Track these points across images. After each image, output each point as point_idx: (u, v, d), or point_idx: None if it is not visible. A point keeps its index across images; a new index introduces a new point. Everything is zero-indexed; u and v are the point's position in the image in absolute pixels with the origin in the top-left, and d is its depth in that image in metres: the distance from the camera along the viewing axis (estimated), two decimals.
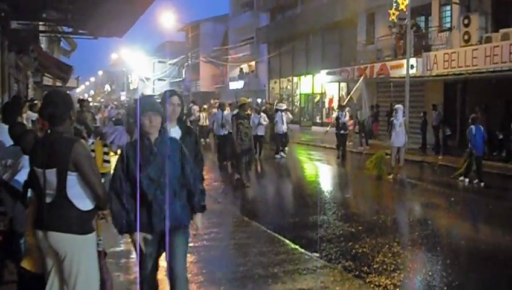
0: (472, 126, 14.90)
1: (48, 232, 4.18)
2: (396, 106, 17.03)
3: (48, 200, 4.20)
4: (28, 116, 13.21)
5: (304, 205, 12.71)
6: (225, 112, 20.23)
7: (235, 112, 16.31)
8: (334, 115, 22.61)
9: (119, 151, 11.41)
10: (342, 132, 21.25)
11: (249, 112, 17.55)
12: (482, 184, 14.67)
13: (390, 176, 16.00)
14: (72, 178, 4.16)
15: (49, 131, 4.35)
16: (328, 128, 26.35)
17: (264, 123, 20.88)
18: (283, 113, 22.48)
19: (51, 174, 4.15)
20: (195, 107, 30.47)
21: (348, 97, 22.75)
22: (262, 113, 21.57)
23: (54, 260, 4.29)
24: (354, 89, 22.44)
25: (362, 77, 22.87)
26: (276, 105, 26.57)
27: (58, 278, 4.33)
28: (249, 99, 31.61)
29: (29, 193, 4.74)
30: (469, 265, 8.31)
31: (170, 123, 5.22)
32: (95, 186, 4.23)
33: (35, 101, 16.52)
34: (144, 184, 4.47)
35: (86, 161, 4.20)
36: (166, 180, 4.51)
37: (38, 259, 4.46)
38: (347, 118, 21.81)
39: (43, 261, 4.38)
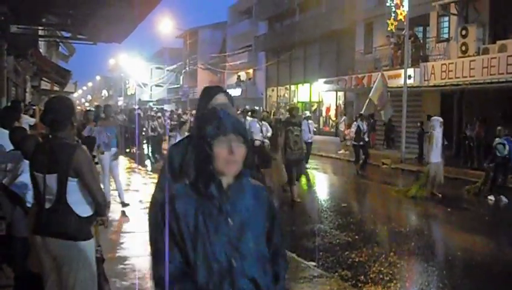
0: (500, 139, 14.26)
1: (47, 238, 4.18)
2: (434, 117, 16.13)
3: (47, 205, 4.20)
4: (25, 121, 13.07)
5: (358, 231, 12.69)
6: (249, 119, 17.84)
7: (280, 116, 15.54)
8: (353, 127, 20.64)
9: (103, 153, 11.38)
10: (361, 143, 19.67)
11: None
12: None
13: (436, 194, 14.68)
14: (72, 184, 4.17)
15: (50, 136, 4.35)
16: (346, 142, 25.69)
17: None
18: (309, 122, 19.63)
19: (51, 180, 4.15)
20: None
21: (367, 101, 21.82)
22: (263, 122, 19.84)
23: (52, 265, 4.28)
24: (373, 89, 21.37)
25: (380, 74, 22.17)
26: (288, 112, 25.22)
27: (56, 283, 4.31)
28: (247, 107, 31.70)
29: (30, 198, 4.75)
30: (466, 275, 8.32)
31: None
32: (95, 192, 4.25)
33: (34, 107, 16.49)
34: (201, 271, 2.44)
35: (87, 168, 4.22)
36: (244, 264, 2.48)
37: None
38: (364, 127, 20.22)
39: (41, 266, 4.36)
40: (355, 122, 20.36)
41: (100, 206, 4.34)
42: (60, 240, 4.16)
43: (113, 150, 11.74)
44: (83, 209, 4.24)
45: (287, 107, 15.46)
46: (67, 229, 4.17)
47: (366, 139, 20.37)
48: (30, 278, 4.62)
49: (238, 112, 20.07)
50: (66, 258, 4.19)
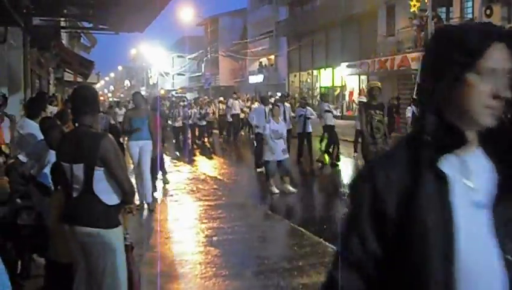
0: None
1: (75, 226, 4.22)
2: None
3: (75, 194, 4.24)
4: (49, 111, 13.13)
5: None
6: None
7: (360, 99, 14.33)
8: (408, 112, 18.86)
9: None
10: None
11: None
12: None
13: None
14: (99, 173, 4.18)
15: (76, 125, 4.39)
16: None
17: (312, 117, 17.12)
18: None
19: (79, 169, 4.17)
20: (235, 102, 28.11)
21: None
22: (308, 107, 17.80)
23: (81, 253, 4.31)
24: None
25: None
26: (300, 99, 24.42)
27: (86, 271, 4.35)
28: (269, 93, 31.59)
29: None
30: None
31: None
32: (122, 181, 4.26)
33: (57, 95, 16.67)
34: None
35: (113, 156, 4.22)
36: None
37: (63, 249, 4.50)
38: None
39: (71, 254, 4.42)
40: (409, 107, 18.95)
41: (127, 194, 4.35)
42: (88, 228, 4.19)
43: (143, 142, 10.16)
44: (110, 198, 4.25)
45: (367, 89, 13.05)
46: (94, 217, 4.20)
47: None
48: (59, 267, 4.64)
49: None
50: (94, 246, 4.21)
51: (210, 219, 9.65)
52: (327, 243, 8.02)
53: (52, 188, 5.03)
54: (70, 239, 4.30)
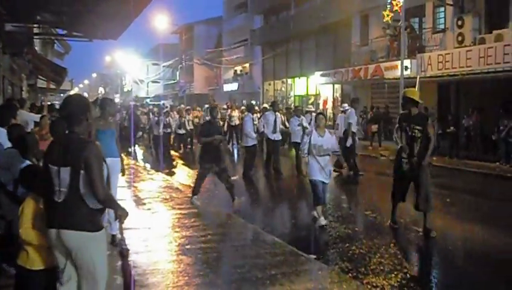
0: None
1: (61, 230, 4.35)
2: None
3: (61, 198, 4.35)
4: (31, 118, 12.53)
5: None
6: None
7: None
8: None
9: None
10: None
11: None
12: None
13: None
14: (84, 176, 4.33)
15: (67, 132, 4.57)
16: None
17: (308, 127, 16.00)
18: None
19: (66, 172, 4.31)
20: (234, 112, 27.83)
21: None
22: (302, 116, 17.36)
23: (67, 256, 4.47)
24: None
25: (418, 77, 20.27)
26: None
27: (73, 274, 4.54)
28: (244, 101, 31.63)
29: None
30: (467, 266, 8.33)
31: None
32: (97, 187, 4.34)
33: (44, 104, 16.50)
34: None
35: (95, 163, 4.36)
36: None
37: (36, 256, 4.61)
38: None
39: (46, 260, 4.57)
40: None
41: (102, 202, 4.41)
42: (75, 231, 4.34)
43: (111, 160, 6.87)
44: (94, 201, 4.38)
45: (403, 95, 9.92)
46: (81, 220, 4.36)
47: None
48: (31, 275, 4.65)
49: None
50: (80, 248, 4.38)
51: (183, 228, 9.63)
52: (299, 252, 8.06)
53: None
54: (56, 243, 4.42)
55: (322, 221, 9.96)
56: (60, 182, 4.34)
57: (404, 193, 9.79)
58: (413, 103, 9.44)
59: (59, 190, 4.35)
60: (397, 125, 9.87)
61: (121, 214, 4.68)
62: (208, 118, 14.52)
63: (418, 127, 9.32)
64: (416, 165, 9.32)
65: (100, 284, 4.54)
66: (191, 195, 12.07)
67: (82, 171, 4.30)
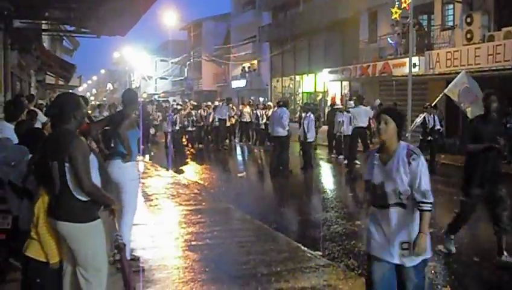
0: None
1: (57, 221, 4.45)
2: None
3: (56, 191, 4.45)
4: (38, 117, 12.58)
5: None
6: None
7: None
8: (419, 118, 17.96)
9: None
10: (429, 138, 17.44)
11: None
12: None
13: None
14: (70, 169, 4.40)
15: (56, 128, 4.61)
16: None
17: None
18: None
19: (55, 167, 4.39)
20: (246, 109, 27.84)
21: (440, 96, 18.60)
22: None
23: (66, 247, 4.56)
24: (452, 85, 17.36)
25: (464, 71, 19.35)
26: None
27: (71, 263, 4.63)
28: (252, 98, 31.57)
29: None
30: (473, 264, 8.29)
31: None
32: (82, 179, 4.39)
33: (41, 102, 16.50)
34: None
35: (79, 155, 4.40)
36: None
37: (41, 247, 4.61)
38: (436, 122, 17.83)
39: (54, 253, 4.60)
40: (421, 115, 18.12)
41: (88, 194, 4.46)
42: (68, 223, 4.43)
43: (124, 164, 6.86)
44: (83, 194, 4.45)
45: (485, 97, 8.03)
46: (72, 212, 4.44)
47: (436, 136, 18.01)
48: (37, 265, 4.68)
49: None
50: (75, 240, 4.48)
51: (189, 224, 9.66)
52: (305, 249, 8.07)
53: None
54: (56, 233, 4.52)
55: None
56: (54, 176, 4.42)
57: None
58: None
59: (54, 183, 4.44)
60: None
61: (113, 208, 4.75)
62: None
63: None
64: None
65: (102, 272, 4.64)
66: (445, 231, 8.58)
67: (67, 164, 4.37)
